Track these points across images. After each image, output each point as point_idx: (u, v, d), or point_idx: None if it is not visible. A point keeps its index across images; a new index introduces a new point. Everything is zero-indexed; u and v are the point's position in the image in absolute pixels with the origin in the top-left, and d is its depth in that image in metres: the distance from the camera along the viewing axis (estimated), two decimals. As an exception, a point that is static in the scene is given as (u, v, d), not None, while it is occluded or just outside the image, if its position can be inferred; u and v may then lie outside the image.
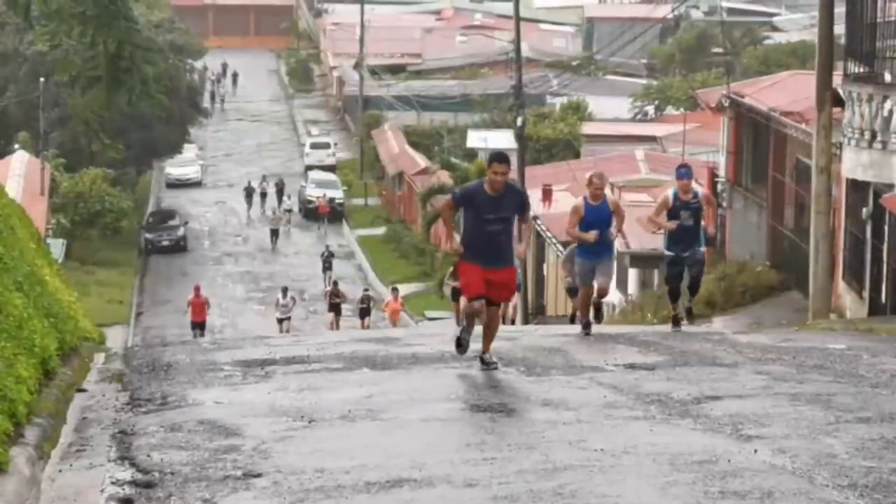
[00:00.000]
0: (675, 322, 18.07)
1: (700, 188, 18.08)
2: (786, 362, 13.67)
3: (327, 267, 57.89)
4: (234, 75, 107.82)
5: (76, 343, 14.30)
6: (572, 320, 23.97)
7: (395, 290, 46.67)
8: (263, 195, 75.55)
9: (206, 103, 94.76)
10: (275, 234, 68.24)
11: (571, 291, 23.75)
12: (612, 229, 16.66)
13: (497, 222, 12.78)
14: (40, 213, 45.78)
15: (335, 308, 46.07)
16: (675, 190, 17.46)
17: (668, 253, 17.71)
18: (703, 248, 17.68)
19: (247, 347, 15.88)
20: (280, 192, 75.21)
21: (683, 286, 18.13)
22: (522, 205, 13.12)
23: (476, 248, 12.86)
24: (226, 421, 10.67)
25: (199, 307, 44.29)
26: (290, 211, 72.63)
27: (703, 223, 17.42)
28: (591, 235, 16.43)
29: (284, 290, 47.58)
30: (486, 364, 13.07)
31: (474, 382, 12.36)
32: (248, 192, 75.30)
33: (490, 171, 12.88)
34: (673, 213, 17.31)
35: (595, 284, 16.85)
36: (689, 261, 17.58)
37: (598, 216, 16.54)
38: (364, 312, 45.98)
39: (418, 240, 64.46)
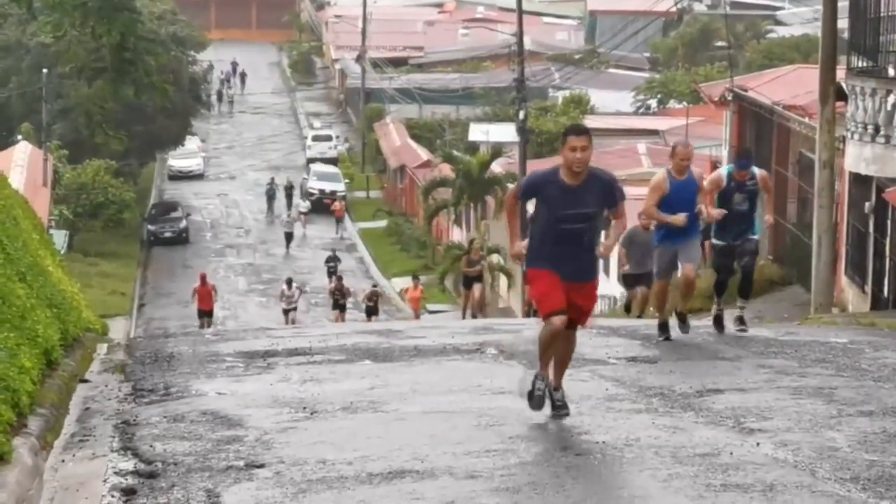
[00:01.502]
0: (718, 322, 15.55)
1: (759, 170, 15.63)
2: (788, 356, 13.67)
3: (332, 272, 54.78)
4: (243, 75, 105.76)
5: (79, 334, 14.32)
6: (628, 309, 23.16)
7: (415, 278, 45.49)
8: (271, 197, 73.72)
9: (213, 105, 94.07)
10: (289, 237, 65.89)
11: (627, 279, 22.51)
12: (701, 208, 14.26)
13: (577, 220, 9.69)
14: (43, 205, 45.77)
15: (340, 307, 44.61)
16: (729, 168, 15.26)
17: (716, 242, 15.29)
18: (756, 237, 15.33)
19: (249, 339, 15.89)
20: (290, 194, 73.55)
21: (726, 285, 15.85)
22: (612, 193, 9.88)
23: (550, 253, 9.79)
24: (228, 412, 10.69)
25: (206, 295, 43.63)
26: (305, 213, 70.08)
27: (758, 209, 15.28)
28: (680, 219, 14.01)
29: (289, 281, 46.76)
30: (558, 407, 10.16)
31: (476, 375, 12.36)
32: (270, 195, 73.14)
33: (566, 147, 9.63)
34: (725, 196, 14.92)
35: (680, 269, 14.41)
36: (739, 250, 15.17)
37: (683, 194, 14.08)
38: (371, 311, 43.99)
39: (420, 233, 64.46)
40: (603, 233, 10.14)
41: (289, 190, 74.03)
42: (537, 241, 9.89)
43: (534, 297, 10.20)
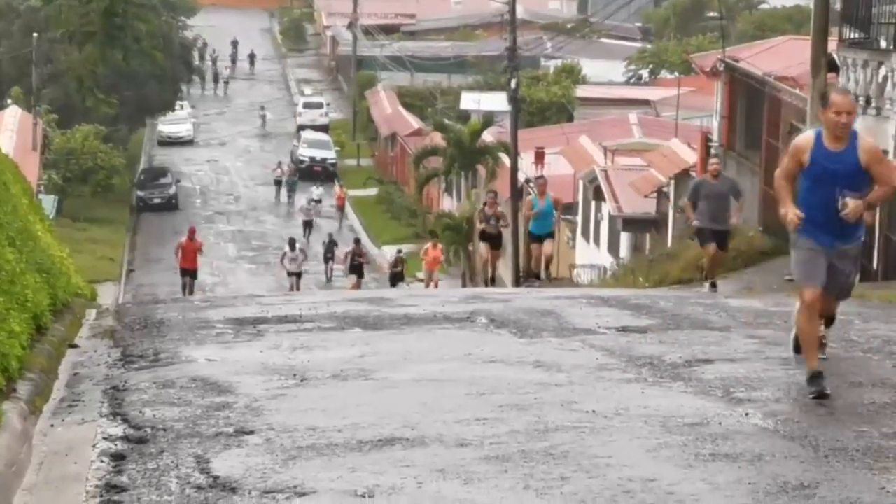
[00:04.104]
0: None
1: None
2: (777, 327, 13.68)
3: (329, 257, 53.17)
4: (252, 56, 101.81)
5: (68, 299, 14.29)
6: (708, 279, 21.94)
7: (434, 235, 43.34)
8: (279, 183, 70.84)
9: (207, 87, 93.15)
10: (308, 225, 62.63)
11: (700, 233, 21.15)
12: (849, 200, 9.64)
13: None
14: (32, 169, 45.58)
15: (357, 270, 42.94)
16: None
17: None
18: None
19: (238, 306, 15.88)
20: (294, 182, 70.38)
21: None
22: None
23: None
24: (218, 378, 10.68)
25: (192, 253, 40.28)
26: (319, 201, 67.32)
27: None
28: (792, 215, 9.84)
29: (292, 243, 44.97)
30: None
31: (466, 343, 12.36)
32: (290, 185, 70.39)
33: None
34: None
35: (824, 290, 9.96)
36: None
37: (835, 169, 9.67)
38: (396, 277, 42.25)
39: (411, 201, 64.43)
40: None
41: (293, 183, 70.62)
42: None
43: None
